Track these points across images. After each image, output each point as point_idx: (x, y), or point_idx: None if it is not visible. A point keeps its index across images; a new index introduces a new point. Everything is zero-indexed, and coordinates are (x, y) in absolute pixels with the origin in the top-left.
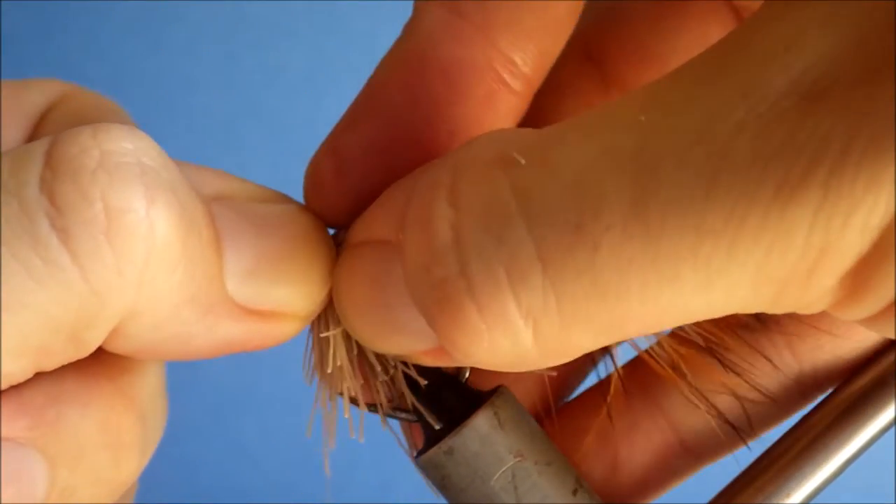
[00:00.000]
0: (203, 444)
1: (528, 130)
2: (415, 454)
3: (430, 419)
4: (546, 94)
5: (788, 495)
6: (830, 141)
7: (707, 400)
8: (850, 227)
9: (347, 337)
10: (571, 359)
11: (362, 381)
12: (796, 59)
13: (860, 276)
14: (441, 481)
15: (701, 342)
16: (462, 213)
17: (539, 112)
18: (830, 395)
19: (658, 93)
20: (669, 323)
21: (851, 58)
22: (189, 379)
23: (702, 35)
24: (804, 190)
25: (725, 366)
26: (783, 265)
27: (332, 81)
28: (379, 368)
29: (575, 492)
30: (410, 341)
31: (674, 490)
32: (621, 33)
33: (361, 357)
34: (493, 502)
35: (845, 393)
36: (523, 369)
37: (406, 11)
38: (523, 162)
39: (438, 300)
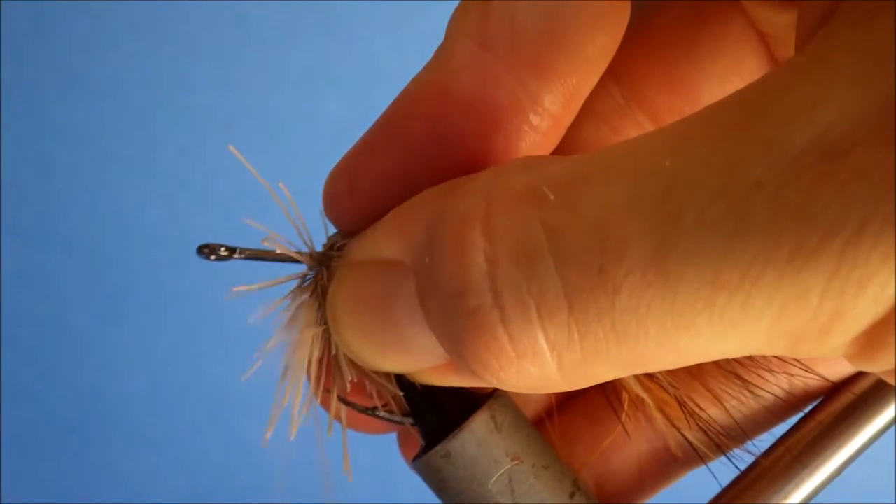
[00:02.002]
0: (203, 444)
1: (556, 161)
2: (412, 457)
3: (427, 424)
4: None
5: (787, 496)
6: (848, 213)
7: (676, 428)
8: (863, 296)
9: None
10: (593, 384)
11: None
12: (821, 116)
13: (874, 338)
14: (438, 484)
15: (668, 389)
16: (496, 246)
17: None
18: (830, 395)
19: (684, 137)
20: (687, 363)
21: (876, 118)
22: (189, 379)
23: (736, 62)
24: (818, 258)
25: (687, 412)
26: (797, 323)
27: (332, 81)
28: (349, 377)
29: (572, 494)
30: (415, 360)
31: (674, 490)
32: (651, 56)
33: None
34: None
35: (845, 394)
36: (547, 392)
37: (406, 12)
38: (552, 198)
39: (471, 326)
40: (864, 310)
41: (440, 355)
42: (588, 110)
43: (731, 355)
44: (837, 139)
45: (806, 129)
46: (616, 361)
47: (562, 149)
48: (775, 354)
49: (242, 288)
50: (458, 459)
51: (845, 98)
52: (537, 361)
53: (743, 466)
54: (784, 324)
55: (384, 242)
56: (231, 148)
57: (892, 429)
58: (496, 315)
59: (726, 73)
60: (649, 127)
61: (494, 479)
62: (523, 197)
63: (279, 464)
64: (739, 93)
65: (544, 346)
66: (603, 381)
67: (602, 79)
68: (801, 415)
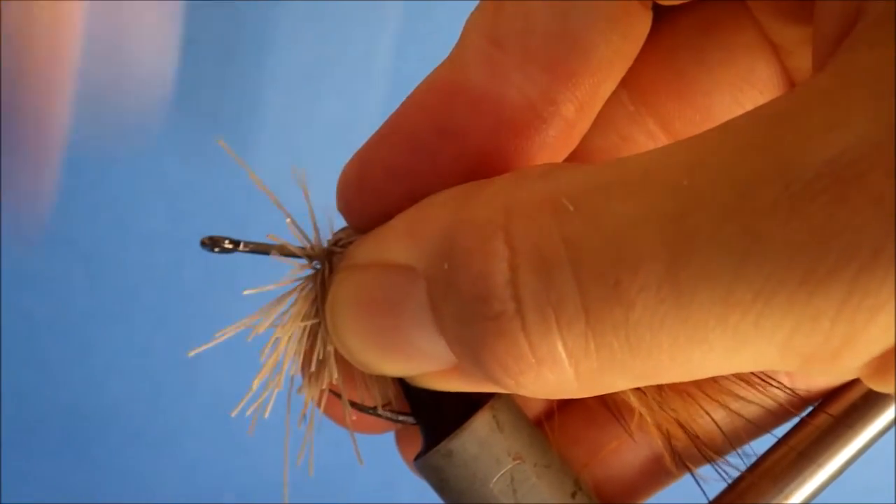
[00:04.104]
0: (203, 444)
1: (575, 171)
2: (413, 457)
3: (428, 423)
4: None
5: (789, 496)
6: (862, 240)
7: (667, 439)
8: (875, 325)
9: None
10: (609, 392)
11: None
12: (837, 139)
13: (887, 363)
14: (440, 484)
15: (662, 408)
16: (518, 255)
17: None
18: (831, 396)
19: (702, 154)
20: (700, 376)
21: (892, 143)
22: (189, 379)
23: (748, 72)
24: (830, 284)
25: (691, 437)
26: (808, 344)
27: (332, 81)
28: (335, 376)
29: (574, 494)
30: (418, 364)
31: (674, 490)
32: (662, 64)
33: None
34: None
35: (846, 394)
36: (564, 397)
37: (406, 12)
38: (571, 209)
39: (493, 331)
40: (876, 337)
41: (444, 360)
42: (597, 116)
43: (743, 370)
44: (852, 163)
45: (822, 152)
46: (630, 372)
47: (570, 154)
48: (788, 371)
49: (253, 290)
50: (459, 459)
51: (862, 121)
52: (556, 369)
53: (742, 468)
54: (796, 344)
55: (393, 246)
56: (222, 143)
57: (893, 430)
58: (518, 322)
59: (737, 82)
60: (660, 134)
61: (496, 478)
62: (543, 207)
63: (278, 464)
64: (757, 111)
65: (563, 354)
66: (619, 389)
67: (615, 90)
68: (802, 415)
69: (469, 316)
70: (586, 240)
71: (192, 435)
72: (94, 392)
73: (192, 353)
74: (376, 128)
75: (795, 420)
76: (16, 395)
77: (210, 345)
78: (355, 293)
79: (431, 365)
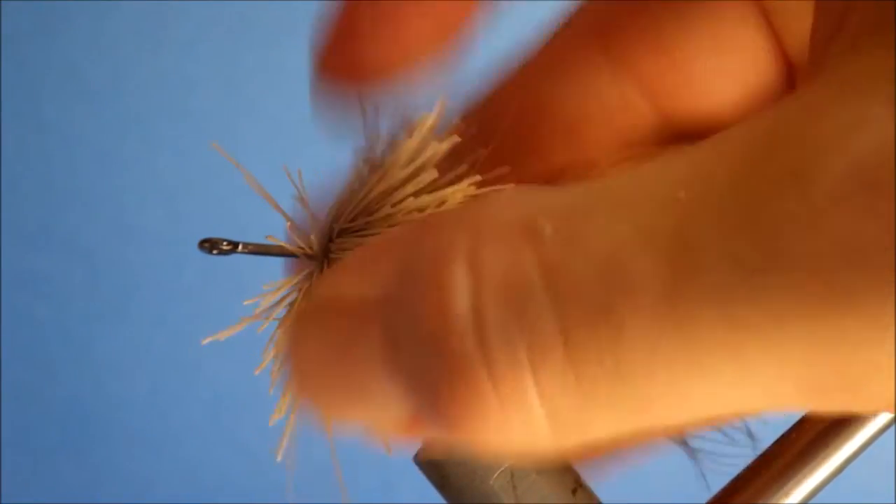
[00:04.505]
0: (203, 444)
1: (553, 192)
2: (413, 454)
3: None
4: (554, 88)
5: (787, 494)
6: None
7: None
8: None
9: None
10: (585, 443)
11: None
12: (858, 143)
13: None
14: (440, 480)
15: None
16: (483, 283)
17: (545, 106)
18: None
19: (699, 168)
20: (701, 413)
21: None
22: (189, 379)
23: (736, 39)
24: (862, 305)
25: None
26: (830, 374)
27: None
28: None
29: (574, 491)
30: (378, 414)
31: (674, 490)
32: (647, 31)
33: None
34: (492, 502)
35: None
36: (531, 452)
37: None
38: (549, 231)
39: (448, 370)
40: None
41: (404, 407)
42: (574, 87)
43: (750, 406)
44: (878, 167)
45: (842, 157)
46: (618, 409)
47: (551, 128)
48: (804, 408)
49: (253, 300)
50: (459, 455)
51: (883, 122)
52: (524, 410)
53: (743, 465)
54: (814, 373)
55: (349, 277)
56: (215, 145)
57: (892, 429)
58: (479, 358)
59: (720, 41)
60: (640, 101)
61: (496, 475)
62: (516, 230)
63: (279, 464)
64: (759, 120)
65: (533, 391)
66: (598, 436)
67: (593, 53)
68: (801, 413)
69: (422, 356)
70: (567, 263)
71: (192, 435)
72: (94, 392)
73: (205, 342)
74: None
75: (796, 417)
76: (16, 395)
77: (213, 338)
78: (308, 333)
79: (390, 413)
